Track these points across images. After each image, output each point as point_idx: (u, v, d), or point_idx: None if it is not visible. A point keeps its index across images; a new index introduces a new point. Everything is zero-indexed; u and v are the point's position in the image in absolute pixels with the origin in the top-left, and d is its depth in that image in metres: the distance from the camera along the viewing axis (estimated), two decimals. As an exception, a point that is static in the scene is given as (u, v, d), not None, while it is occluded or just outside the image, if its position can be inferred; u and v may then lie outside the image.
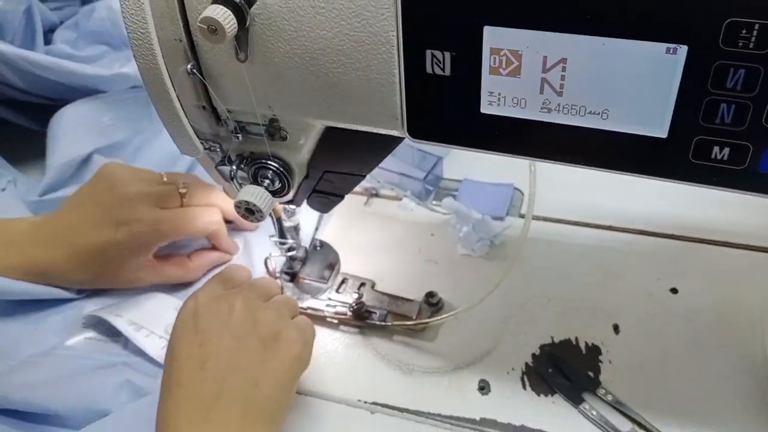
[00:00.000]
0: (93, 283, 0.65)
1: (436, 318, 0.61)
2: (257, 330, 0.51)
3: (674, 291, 0.63)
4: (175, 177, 0.67)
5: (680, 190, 0.71)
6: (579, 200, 0.73)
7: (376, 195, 0.77)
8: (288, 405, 0.51)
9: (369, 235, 0.72)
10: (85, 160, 0.78)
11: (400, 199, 0.76)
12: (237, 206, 0.48)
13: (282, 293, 0.60)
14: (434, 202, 0.75)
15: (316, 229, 0.72)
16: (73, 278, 0.64)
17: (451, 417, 0.56)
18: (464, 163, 0.79)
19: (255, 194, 0.47)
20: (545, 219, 0.71)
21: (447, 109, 0.40)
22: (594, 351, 0.59)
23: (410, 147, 0.76)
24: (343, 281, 0.67)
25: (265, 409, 0.48)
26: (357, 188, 0.76)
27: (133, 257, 0.63)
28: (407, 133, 0.42)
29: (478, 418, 0.55)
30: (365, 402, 0.57)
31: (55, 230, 0.63)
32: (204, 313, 0.51)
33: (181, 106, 0.46)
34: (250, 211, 0.48)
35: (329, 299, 0.65)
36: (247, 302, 0.53)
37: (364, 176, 0.51)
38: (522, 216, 0.72)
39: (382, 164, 0.75)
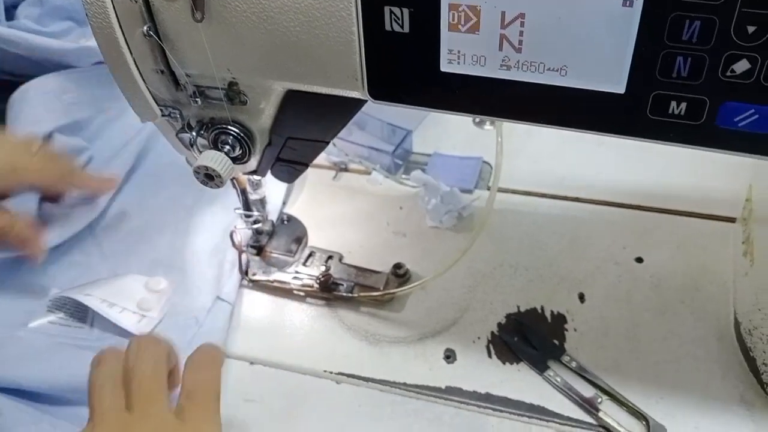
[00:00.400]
0: None
1: (402, 288, 0.61)
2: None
3: (640, 260, 0.63)
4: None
5: (646, 160, 0.73)
6: (546, 172, 0.73)
7: (345, 169, 0.77)
8: None
9: (337, 209, 0.72)
10: (46, 139, 0.76)
11: (369, 173, 0.75)
12: (196, 172, 0.47)
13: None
14: (403, 176, 0.74)
15: (284, 203, 0.72)
16: None
17: (416, 386, 0.55)
18: (434, 137, 0.79)
19: (214, 159, 0.46)
20: (513, 191, 0.71)
21: (407, 68, 0.39)
22: (559, 319, 0.59)
23: (379, 121, 0.76)
24: (310, 254, 0.66)
25: None
26: (326, 162, 0.77)
27: None
28: (368, 94, 0.42)
29: (443, 387, 0.55)
30: (331, 372, 0.57)
31: None
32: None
33: (139, 71, 0.45)
34: (209, 177, 0.47)
35: (296, 272, 0.64)
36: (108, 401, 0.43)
37: (328, 143, 0.51)
38: (490, 189, 0.72)
39: (350, 138, 0.76)
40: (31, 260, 0.61)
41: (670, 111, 0.36)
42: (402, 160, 0.76)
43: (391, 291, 0.61)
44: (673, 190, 0.70)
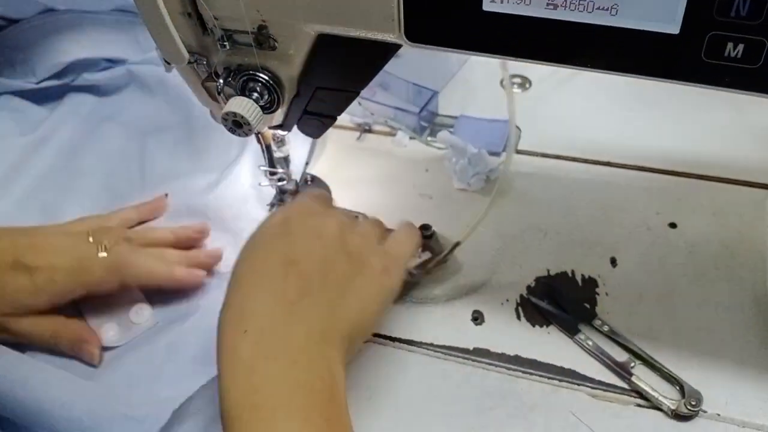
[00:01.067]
0: None
1: (431, 265, 0.59)
2: (347, 249, 0.48)
3: (673, 225, 0.62)
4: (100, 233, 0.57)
5: (680, 126, 0.71)
6: (577, 136, 0.71)
7: (369, 131, 0.75)
8: (367, 333, 0.49)
9: (362, 171, 0.71)
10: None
11: (394, 135, 0.73)
12: (224, 119, 0.46)
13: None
14: (429, 138, 0.73)
15: (307, 163, 0.70)
16: None
17: (443, 347, 0.54)
18: (460, 99, 0.77)
19: (243, 105, 0.45)
20: (543, 155, 0.70)
21: (446, 7, 0.38)
22: (591, 283, 0.58)
23: (404, 81, 0.74)
24: (334, 215, 0.65)
25: (345, 324, 0.45)
26: (349, 123, 0.75)
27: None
28: (404, 36, 0.40)
29: (471, 348, 0.54)
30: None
31: None
32: (295, 220, 0.49)
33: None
34: (237, 124, 0.46)
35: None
36: (338, 220, 0.50)
37: (358, 93, 0.49)
38: (519, 152, 0.71)
39: (375, 98, 0.74)
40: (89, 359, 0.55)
41: (726, 53, 0.34)
42: (427, 122, 0.74)
43: (425, 265, 0.59)
44: (708, 156, 0.68)
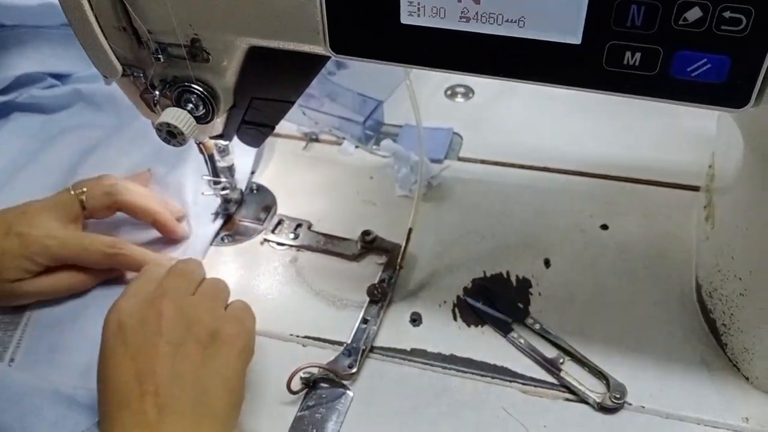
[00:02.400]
0: None
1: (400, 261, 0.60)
2: (193, 333, 0.46)
3: (605, 227, 0.64)
4: (79, 183, 0.62)
5: (613, 131, 0.74)
6: (514, 142, 0.74)
7: (316, 140, 0.76)
8: (240, 402, 0.47)
9: (307, 179, 0.72)
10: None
11: (340, 144, 0.75)
12: (158, 129, 0.47)
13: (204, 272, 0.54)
14: (374, 146, 0.75)
15: (253, 172, 0.72)
16: None
17: (382, 348, 0.56)
18: (405, 109, 0.79)
19: (176, 116, 0.46)
20: (482, 161, 0.72)
21: (367, 21, 0.39)
22: (524, 284, 0.60)
23: (350, 92, 0.76)
24: (279, 222, 0.66)
25: (216, 413, 0.44)
26: (296, 133, 0.76)
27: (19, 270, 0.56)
28: (330, 49, 0.42)
29: (409, 349, 0.56)
30: (297, 336, 0.57)
31: None
32: (130, 324, 0.46)
33: (101, 28, 0.45)
34: (171, 134, 0.47)
35: (265, 239, 0.64)
36: (175, 303, 0.48)
37: (293, 103, 0.51)
38: (461, 159, 0.73)
39: (321, 108, 0.76)
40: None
41: (625, 62, 0.36)
42: (373, 132, 0.76)
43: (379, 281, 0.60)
44: (639, 160, 0.71)
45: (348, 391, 0.53)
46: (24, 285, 0.56)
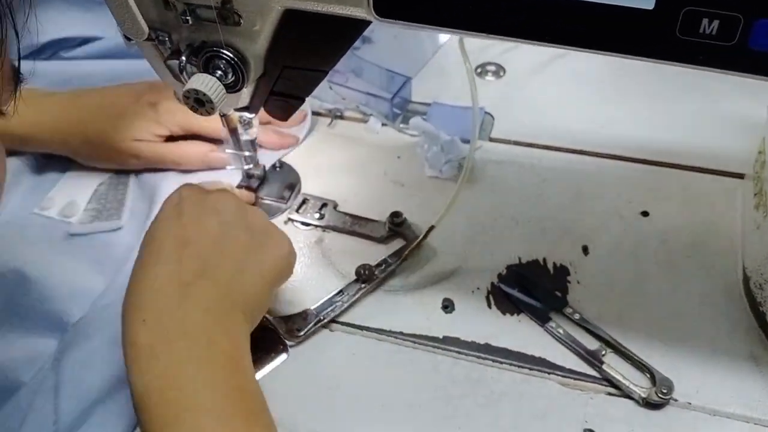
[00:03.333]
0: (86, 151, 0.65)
1: (400, 260, 0.58)
2: (247, 221, 0.49)
3: (645, 214, 0.61)
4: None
5: (653, 114, 0.71)
6: (550, 124, 0.70)
7: (341, 117, 0.73)
8: (266, 305, 0.49)
9: (332, 157, 0.69)
10: None
11: (366, 121, 0.72)
12: (185, 96, 0.44)
13: None
14: (401, 125, 0.72)
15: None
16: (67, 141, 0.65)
17: (413, 335, 0.53)
18: (433, 87, 0.76)
19: (205, 83, 0.43)
20: (516, 143, 0.69)
21: (416, -19, 0.36)
22: (562, 271, 0.57)
23: (377, 67, 0.73)
24: (303, 201, 0.64)
25: (244, 298, 0.46)
26: (320, 110, 0.74)
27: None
28: (373, 11, 0.39)
29: (441, 336, 0.53)
30: (324, 319, 0.54)
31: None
32: (190, 200, 0.49)
33: (126, -13, 0.42)
34: (199, 102, 0.44)
35: (289, 219, 0.62)
36: (236, 197, 0.51)
37: (326, 72, 0.48)
38: (492, 140, 0.70)
39: (348, 84, 0.73)
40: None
41: (701, 30, 0.33)
42: (400, 109, 0.73)
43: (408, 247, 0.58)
44: (680, 145, 0.67)
45: (282, 354, 0.52)
46: (145, 146, 0.64)
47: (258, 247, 0.48)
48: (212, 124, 0.64)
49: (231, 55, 0.45)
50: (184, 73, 0.46)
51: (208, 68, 0.46)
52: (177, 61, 0.47)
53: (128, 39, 0.46)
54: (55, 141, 0.65)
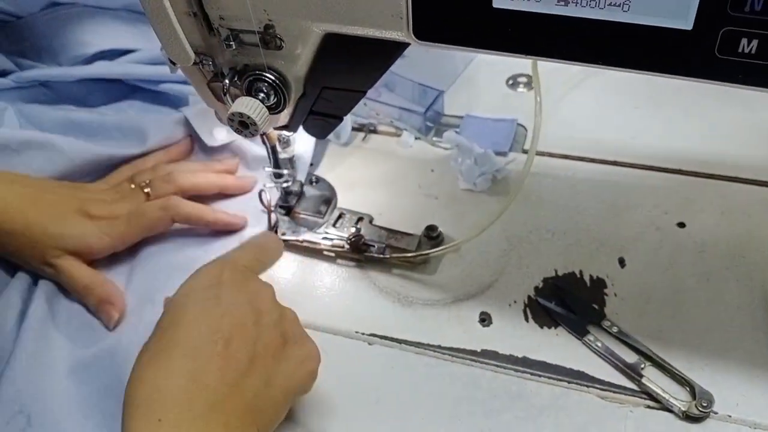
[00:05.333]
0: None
1: (436, 249, 0.59)
2: (282, 326, 0.45)
3: (682, 225, 0.61)
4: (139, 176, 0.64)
5: (687, 125, 0.70)
6: (583, 135, 0.71)
7: (374, 131, 0.75)
8: (279, 421, 0.45)
9: (366, 171, 0.70)
10: None
11: (399, 136, 0.73)
12: (230, 119, 0.45)
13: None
14: (434, 138, 0.72)
15: (311, 164, 0.70)
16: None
17: (451, 348, 0.54)
18: (465, 100, 0.76)
19: (250, 106, 0.45)
20: (550, 154, 0.69)
21: (456, 5, 0.37)
22: (599, 284, 0.57)
23: (410, 82, 0.74)
24: (340, 216, 0.65)
25: (263, 416, 0.42)
26: (354, 124, 0.75)
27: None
28: (412, 35, 0.39)
29: (479, 350, 0.54)
30: (363, 333, 0.55)
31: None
32: (230, 288, 0.45)
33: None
34: (244, 125, 0.45)
35: (326, 233, 0.63)
36: (272, 291, 0.48)
37: (364, 93, 0.49)
38: (525, 152, 0.70)
39: (381, 99, 0.74)
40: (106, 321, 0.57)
41: (740, 49, 0.34)
42: (433, 123, 0.74)
43: (425, 252, 0.59)
44: (716, 155, 0.67)
45: None
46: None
47: (288, 358, 0.44)
48: (158, 223, 0.61)
49: (273, 78, 0.46)
50: (227, 95, 0.48)
51: (250, 91, 0.47)
52: (220, 84, 0.48)
53: (173, 63, 0.47)
54: None
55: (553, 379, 0.51)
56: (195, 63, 0.47)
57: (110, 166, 0.67)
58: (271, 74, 0.46)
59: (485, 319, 0.56)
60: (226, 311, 0.43)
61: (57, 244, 0.57)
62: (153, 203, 0.61)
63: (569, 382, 0.51)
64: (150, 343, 0.42)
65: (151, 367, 0.40)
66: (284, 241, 0.62)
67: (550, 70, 0.78)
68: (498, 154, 0.68)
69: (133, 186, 0.63)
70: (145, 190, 0.62)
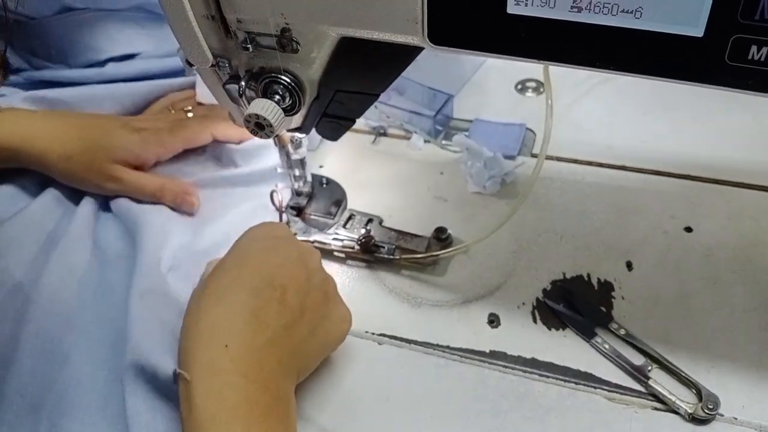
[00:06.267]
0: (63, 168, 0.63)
1: (445, 251, 0.59)
2: (325, 286, 0.50)
3: (689, 229, 0.62)
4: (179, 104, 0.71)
5: (694, 130, 0.71)
6: (591, 140, 0.71)
7: (384, 134, 0.75)
8: (314, 368, 0.50)
9: (376, 174, 0.71)
10: None
11: (409, 138, 0.74)
12: (246, 121, 0.46)
13: None
14: (444, 141, 0.73)
15: (321, 166, 0.71)
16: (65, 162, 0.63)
17: (460, 349, 0.54)
18: (475, 103, 0.77)
19: (266, 108, 0.45)
20: (558, 159, 0.70)
21: (471, 10, 0.38)
22: (606, 287, 0.58)
23: (420, 85, 0.74)
24: (350, 217, 0.65)
25: (305, 361, 0.48)
26: (364, 127, 0.75)
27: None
28: (427, 40, 0.40)
29: (487, 351, 0.54)
30: (373, 333, 0.56)
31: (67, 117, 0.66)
32: (287, 242, 0.51)
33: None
34: (260, 126, 0.46)
35: (336, 234, 0.64)
36: (320, 258, 0.53)
37: (377, 96, 0.49)
38: (534, 155, 0.71)
39: (391, 102, 0.74)
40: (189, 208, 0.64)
41: (750, 56, 0.34)
42: (442, 126, 0.75)
43: (435, 253, 0.60)
44: (723, 160, 0.68)
45: None
46: (126, 171, 0.63)
47: (328, 316, 0.49)
48: (199, 135, 0.67)
49: (289, 81, 0.47)
50: (243, 97, 0.49)
51: (266, 93, 0.48)
52: (236, 86, 0.49)
53: (190, 65, 0.48)
54: (32, 155, 0.62)
55: (561, 380, 0.52)
56: (212, 65, 0.48)
57: None
58: (286, 77, 0.47)
59: (494, 321, 0.56)
60: (284, 263, 0.48)
61: (110, 157, 0.62)
62: (194, 117, 0.68)
63: (576, 383, 0.51)
64: (213, 279, 0.47)
65: (217, 300, 0.45)
66: (295, 241, 0.63)
67: (560, 75, 0.79)
68: (507, 157, 0.69)
69: (173, 111, 0.70)
70: (189, 114, 0.69)
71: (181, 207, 0.64)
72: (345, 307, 0.52)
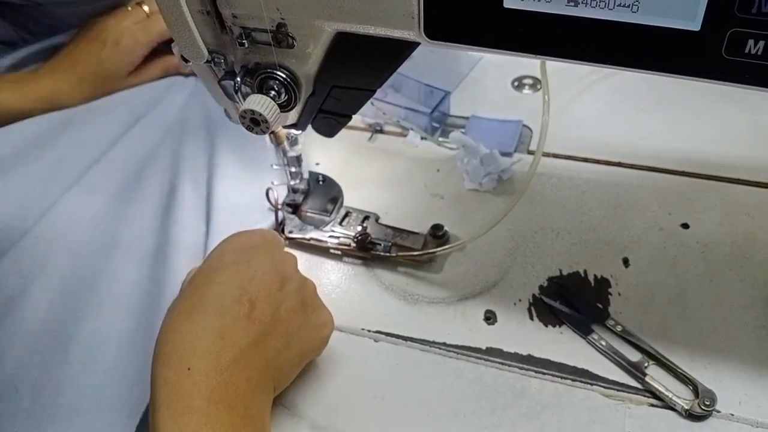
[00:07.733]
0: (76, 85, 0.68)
1: (442, 248, 0.59)
2: (303, 293, 0.49)
3: (685, 226, 0.62)
4: None
5: (691, 127, 0.71)
6: (588, 136, 0.71)
7: (381, 131, 0.75)
8: (293, 378, 0.49)
9: (373, 171, 0.71)
10: None
11: (405, 135, 0.74)
12: (242, 116, 0.46)
13: None
14: (440, 138, 0.73)
15: (317, 164, 0.70)
16: (79, 97, 0.67)
17: (456, 346, 0.54)
18: (471, 100, 0.77)
19: (261, 103, 0.45)
20: (555, 155, 0.70)
21: (467, 4, 0.38)
22: (603, 283, 0.58)
23: (416, 82, 0.74)
24: (346, 214, 0.65)
25: (280, 373, 0.47)
26: (361, 124, 0.75)
27: (124, 66, 0.69)
28: (423, 34, 0.40)
29: (484, 347, 0.54)
30: (369, 330, 0.56)
31: (59, 63, 0.68)
32: (260, 252, 0.49)
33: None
34: (255, 122, 0.46)
35: (333, 231, 0.63)
36: (296, 263, 0.52)
37: (373, 92, 0.49)
38: (531, 152, 0.71)
39: (387, 99, 0.74)
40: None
41: (747, 50, 0.34)
42: (439, 123, 0.74)
43: (431, 250, 0.59)
44: (719, 157, 0.68)
45: None
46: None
47: (305, 324, 0.48)
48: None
49: (285, 76, 0.46)
50: (238, 93, 0.48)
51: (262, 89, 0.47)
52: (231, 82, 0.48)
53: (185, 60, 0.48)
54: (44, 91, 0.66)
55: (557, 376, 0.52)
56: (207, 61, 0.47)
57: None
58: (282, 72, 0.46)
59: (490, 318, 0.56)
60: (254, 275, 0.47)
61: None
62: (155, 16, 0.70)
63: (573, 380, 0.51)
64: (183, 298, 0.46)
65: (183, 320, 0.44)
66: (291, 239, 0.63)
67: (556, 72, 0.79)
68: (503, 154, 0.69)
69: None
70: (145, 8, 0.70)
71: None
72: (326, 311, 0.51)
